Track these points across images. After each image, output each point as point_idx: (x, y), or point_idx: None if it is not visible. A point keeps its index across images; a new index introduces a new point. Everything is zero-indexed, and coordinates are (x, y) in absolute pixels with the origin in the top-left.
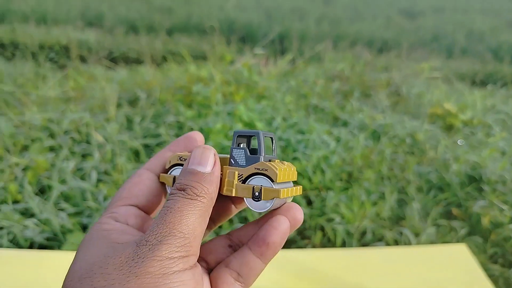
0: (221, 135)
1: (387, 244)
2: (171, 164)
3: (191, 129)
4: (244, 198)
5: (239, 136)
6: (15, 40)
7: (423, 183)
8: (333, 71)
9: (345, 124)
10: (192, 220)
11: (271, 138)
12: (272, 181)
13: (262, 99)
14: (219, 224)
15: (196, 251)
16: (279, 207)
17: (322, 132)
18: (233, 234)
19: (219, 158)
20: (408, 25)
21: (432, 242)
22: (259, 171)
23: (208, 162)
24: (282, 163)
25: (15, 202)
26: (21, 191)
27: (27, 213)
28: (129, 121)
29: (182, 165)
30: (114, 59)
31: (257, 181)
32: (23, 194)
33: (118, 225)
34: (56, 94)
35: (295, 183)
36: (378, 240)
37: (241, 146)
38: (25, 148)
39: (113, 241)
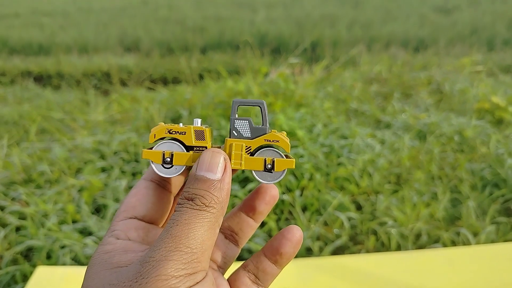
0: None
1: (444, 245)
2: (157, 138)
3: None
4: (253, 171)
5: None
6: (61, 71)
7: (477, 180)
8: (370, 74)
9: (388, 126)
10: (200, 233)
11: (260, 107)
12: (282, 152)
13: (301, 107)
14: (243, 243)
15: (205, 266)
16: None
17: (365, 135)
18: (223, 225)
19: (203, 129)
20: (444, 21)
21: (492, 241)
22: (271, 142)
23: (218, 167)
24: (283, 134)
25: (74, 221)
26: (79, 211)
27: (85, 232)
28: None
29: (171, 139)
30: (153, 81)
31: (266, 153)
32: (81, 214)
33: (119, 243)
34: (103, 118)
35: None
36: (434, 241)
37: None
38: (79, 170)
39: (115, 265)
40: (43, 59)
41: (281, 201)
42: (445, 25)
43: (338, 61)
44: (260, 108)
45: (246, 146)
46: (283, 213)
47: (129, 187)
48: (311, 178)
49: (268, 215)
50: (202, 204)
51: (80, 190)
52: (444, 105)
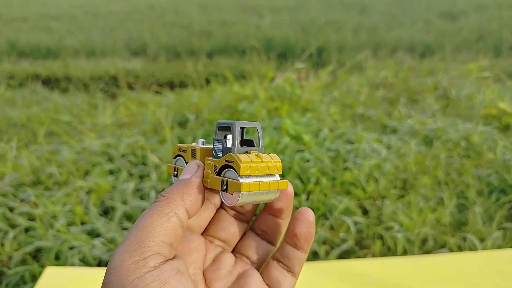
0: (270, 149)
1: (451, 250)
2: (174, 155)
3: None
4: (220, 191)
5: (221, 127)
6: (68, 74)
7: (484, 186)
8: (376, 79)
9: (394, 131)
10: (148, 221)
11: (257, 128)
12: (237, 173)
13: (307, 112)
14: (277, 244)
15: (159, 249)
16: (271, 200)
17: (371, 140)
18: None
19: (195, 149)
20: (450, 26)
21: (499, 246)
22: (228, 163)
23: (190, 171)
24: (259, 156)
25: (83, 223)
26: (87, 212)
27: (93, 233)
28: (181, 141)
29: (180, 155)
30: (160, 85)
31: (229, 174)
32: (89, 216)
33: None
34: (111, 121)
35: (282, 177)
36: (440, 247)
37: (227, 137)
38: (87, 172)
39: None
40: (51, 62)
41: None
42: (451, 31)
43: (344, 66)
44: (231, 128)
45: (214, 165)
46: None
47: (137, 190)
48: (317, 183)
49: None
50: (160, 196)
51: (88, 192)
52: (450, 110)
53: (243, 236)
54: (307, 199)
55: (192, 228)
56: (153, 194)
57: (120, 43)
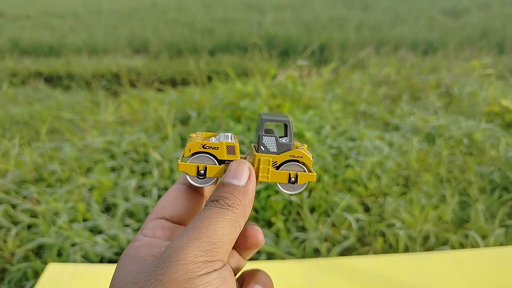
0: None
1: (453, 247)
2: (192, 152)
3: (242, 143)
4: (277, 183)
5: (263, 120)
6: (71, 72)
7: (486, 183)
8: (378, 77)
9: (396, 128)
10: (220, 227)
11: (286, 124)
12: (306, 167)
13: (309, 109)
14: (247, 257)
15: (223, 257)
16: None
17: (373, 137)
18: None
19: (234, 145)
20: (453, 24)
21: (501, 244)
22: (294, 158)
23: (243, 175)
24: (303, 147)
25: (85, 220)
26: (89, 209)
27: (95, 230)
28: (183, 139)
29: (204, 153)
30: (162, 82)
31: (290, 167)
32: (91, 213)
33: (146, 239)
34: (113, 118)
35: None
36: (442, 244)
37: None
38: (89, 169)
39: (142, 258)
40: (53, 60)
41: (289, 202)
42: (455, 28)
43: (347, 63)
44: (288, 125)
45: (272, 161)
46: (291, 214)
47: (139, 187)
48: (319, 180)
49: (276, 216)
50: (225, 204)
51: (91, 189)
52: (453, 108)
53: None
54: (309, 196)
55: (184, 223)
56: (155, 191)
57: (122, 41)
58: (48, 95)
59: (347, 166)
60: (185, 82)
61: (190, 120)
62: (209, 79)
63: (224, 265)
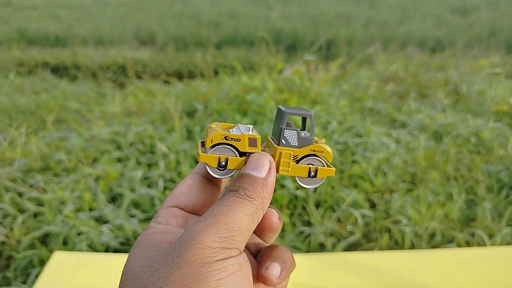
0: None
1: (459, 245)
2: (213, 143)
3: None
4: (296, 177)
5: (279, 112)
6: (77, 63)
7: (493, 182)
8: (386, 73)
9: (403, 125)
10: (239, 216)
11: (309, 119)
12: (325, 161)
13: (316, 105)
14: (269, 242)
15: (240, 245)
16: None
17: (380, 134)
18: None
19: (256, 137)
20: (461, 22)
21: (508, 243)
22: (315, 152)
23: (263, 167)
24: (321, 140)
25: (91, 209)
26: (95, 199)
27: (101, 220)
28: (189, 131)
29: (226, 144)
30: (168, 75)
31: (310, 161)
32: (97, 202)
33: (160, 226)
34: (119, 109)
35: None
36: (448, 241)
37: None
38: (95, 160)
39: (157, 243)
40: (60, 50)
41: (295, 197)
42: (463, 26)
43: (354, 59)
44: (310, 119)
45: (293, 155)
46: (296, 209)
47: (145, 178)
48: None
49: (282, 210)
50: (244, 194)
51: (97, 179)
52: (461, 106)
53: None
54: (315, 191)
55: (197, 212)
56: (161, 182)
57: (128, 33)
58: (55, 85)
59: (354, 162)
60: (191, 75)
61: (196, 112)
62: (216, 72)
63: (240, 253)
